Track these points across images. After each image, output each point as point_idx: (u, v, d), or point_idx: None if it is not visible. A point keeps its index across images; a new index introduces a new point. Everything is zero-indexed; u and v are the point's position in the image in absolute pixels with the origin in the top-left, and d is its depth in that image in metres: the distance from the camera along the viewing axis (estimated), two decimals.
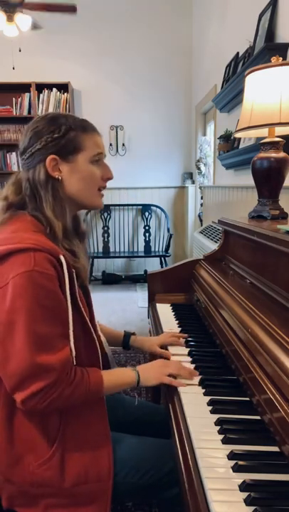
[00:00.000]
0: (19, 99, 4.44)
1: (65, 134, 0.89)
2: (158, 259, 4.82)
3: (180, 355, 1.11)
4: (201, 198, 4.17)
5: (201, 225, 3.99)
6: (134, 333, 1.23)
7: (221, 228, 1.61)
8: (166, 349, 1.16)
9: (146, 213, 4.83)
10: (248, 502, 0.60)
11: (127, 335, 1.21)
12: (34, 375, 0.77)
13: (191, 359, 1.08)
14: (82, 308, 0.89)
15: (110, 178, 0.98)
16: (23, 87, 4.36)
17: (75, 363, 0.85)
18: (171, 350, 1.16)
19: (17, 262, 0.77)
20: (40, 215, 0.88)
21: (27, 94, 4.40)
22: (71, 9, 3.40)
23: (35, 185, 0.89)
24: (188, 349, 1.15)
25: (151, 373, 0.96)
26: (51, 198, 0.89)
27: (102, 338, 1.08)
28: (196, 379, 0.97)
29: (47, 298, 0.79)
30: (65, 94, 4.41)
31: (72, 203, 0.95)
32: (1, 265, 0.79)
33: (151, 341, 1.20)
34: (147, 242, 4.84)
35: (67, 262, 0.84)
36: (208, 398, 0.89)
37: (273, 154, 1.31)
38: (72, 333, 0.84)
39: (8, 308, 0.76)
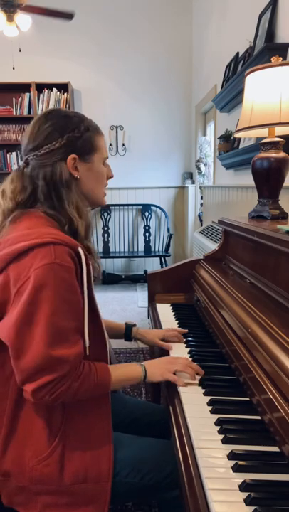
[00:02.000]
0: (19, 99, 4.44)
1: (83, 134, 0.92)
2: (158, 259, 4.82)
3: (180, 355, 1.11)
4: (201, 198, 4.17)
5: (201, 225, 3.99)
6: (134, 325, 1.24)
7: (221, 228, 1.61)
8: (168, 354, 1.15)
9: (146, 213, 4.83)
10: (248, 502, 0.60)
11: (128, 327, 1.23)
12: (47, 368, 0.78)
13: (191, 359, 1.08)
14: (96, 305, 0.90)
15: (111, 177, 1.03)
16: (23, 87, 4.36)
17: (88, 353, 0.86)
18: (172, 350, 1.16)
19: (38, 256, 0.78)
20: (58, 214, 0.88)
21: (27, 94, 4.40)
22: (68, 16, 3.42)
23: (55, 183, 0.89)
24: (189, 349, 1.15)
25: (157, 369, 0.96)
26: (75, 196, 0.91)
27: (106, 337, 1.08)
28: (197, 378, 0.97)
29: (67, 291, 0.79)
30: (65, 94, 4.41)
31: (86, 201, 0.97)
32: (21, 260, 0.79)
33: (153, 334, 1.22)
34: (147, 242, 4.84)
35: (85, 254, 0.85)
36: (208, 398, 0.89)
37: (273, 154, 1.31)
38: (87, 326, 0.85)
39: (30, 300, 0.76)
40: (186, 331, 1.26)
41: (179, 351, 1.14)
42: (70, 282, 0.80)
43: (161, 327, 1.35)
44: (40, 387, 0.78)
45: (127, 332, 1.22)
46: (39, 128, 0.90)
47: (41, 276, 0.77)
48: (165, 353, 1.16)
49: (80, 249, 0.83)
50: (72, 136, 0.90)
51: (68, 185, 0.90)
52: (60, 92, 4.40)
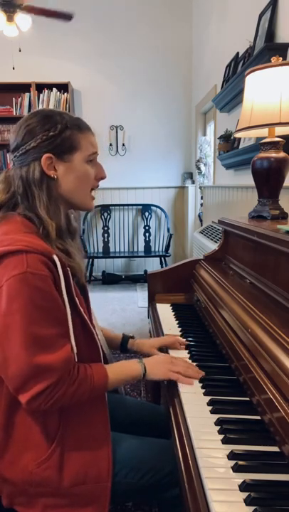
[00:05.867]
0: (19, 99, 4.44)
1: (61, 133, 0.88)
2: (158, 259, 4.82)
3: (180, 355, 1.11)
4: (201, 198, 4.17)
5: (201, 225, 3.99)
6: (132, 337, 1.21)
7: (221, 228, 1.61)
8: (167, 352, 1.15)
9: (146, 213, 4.83)
10: (248, 502, 0.60)
11: (125, 338, 1.19)
12: (35, 376, 0.77)
13: (191, 359, 1.08)
14: (80, 307, 0.89)
15: (104, 177, 0.98)
16: (23, 87, 4.36)
17: (76, 360, 0.85)
18: (172, 351, 1.16)
19: (10, 265, 0.77)
20: (33, 215, 0.87)
21: (27, 94, 4.40)
22: (67, 17, 3.42)
23: (29, 183, 0.87)
24: (189, 349, 1.15)
25: (158, 368, 0.96)
26: (45, 197, 0.88)
27: (101, 337, 1.08)
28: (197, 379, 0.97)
29: (42, 299, 0.78)
30: (65, 94, 4.41)
31: (65, 202, 0.94)
32: None
33: (150, 343, 1.18)
34: (147, 242, 4.84)
35: (61, 261, 0.83)
36: (208, 398, 0.89)
37: (273, 154, 1.31)
38: (72, 332, 0.84)
39: (4, 312, 0.76)
40: (186, 342, 1.20)
41: (179, 351, 1.14)
42: (45, 290, 0.78)
43: (161, 327, 1.35)
44: (34, 397, 0.78)
45: (123, 343, 1.19)
46: (20, 129, 0.89)
47: (14, 286, 0.76)
48: (164, 350, 1.16)
49: (54, 257, 0.81)
50: (47, 134, 0.87)
51: (40, 185, 0.87)
52: (60, 92, 4.40)
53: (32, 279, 0.76)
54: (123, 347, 1.19)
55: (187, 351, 1.14)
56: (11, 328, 0.76)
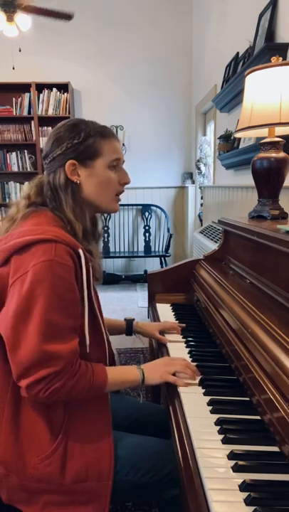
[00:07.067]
0: (19, 99, 4.44)
1: (84, 140, 0.93)
2: (158, 259, 4.82)
3: (180, 355, 1.11)
4: (201, 198, 4.17)
5: (201, 225, 3.99)
6: (133, 319, 1.28)
7: (221, 228, 1.61)
8: (168, 353, 1.16)
9: (146, 213, 4.83)
10: (248, 502, 0.60)
11: (129, 322, 1.26)
12: (42, 362, 0.79)
13: (191, 359, 1.08)
14: (96, 305, 0.91)
15: (127, 182, 1.02)
16: (23, 87, 4.36)
17: (88, 351, 0.87)
18: (172, 351, 1.16)
19: (39, 252, 0.80)
20: (62, 215, 0.92)
21: (27, 94, 4.40)
22: (67, 17, 3.43)
23: (55, 188, 0.93)
24: (189, 349, 1.16)
25: (156, 372, 0.97)
26: (71, 201, 0.93)
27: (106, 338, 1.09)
28: (197, 379, 0.97)
29: (64, 289, 0.81)
30: (65, 94, 4.41)
31: (90, 206, 0.98)
32: (23, 254, 0.82)
33: (152, 326, 1.28)
34: (147, 242, 4.84)
35: (85, 255, 0.87)
36: (208, 398, 0.89)
37: (273, 154, 1.31)
38: (87, 325, 0.87)
39: (26, 295, 0.78)
40: (184, 325, 1.30)
41: (179, 351, 1.14)
42: (67, 280, 0.82)
43: None
44: (35, 382, 0.79)
45: (128, 327, 1.26)
46: (50, 138, 0.96)
47: (39, 272, 0.79)
48: (164, 350, 1.16)
49: (80, 250, 0.85)
50: (71, 142, 0.93)
51: (65, 190, 0.93)
52: (60, 92, 4.41)
53: (57, 268, 0.80)
54: (128, 330, 1.26)
55: (187, 351, 1.14)
56: (30, 312, 0.78)
